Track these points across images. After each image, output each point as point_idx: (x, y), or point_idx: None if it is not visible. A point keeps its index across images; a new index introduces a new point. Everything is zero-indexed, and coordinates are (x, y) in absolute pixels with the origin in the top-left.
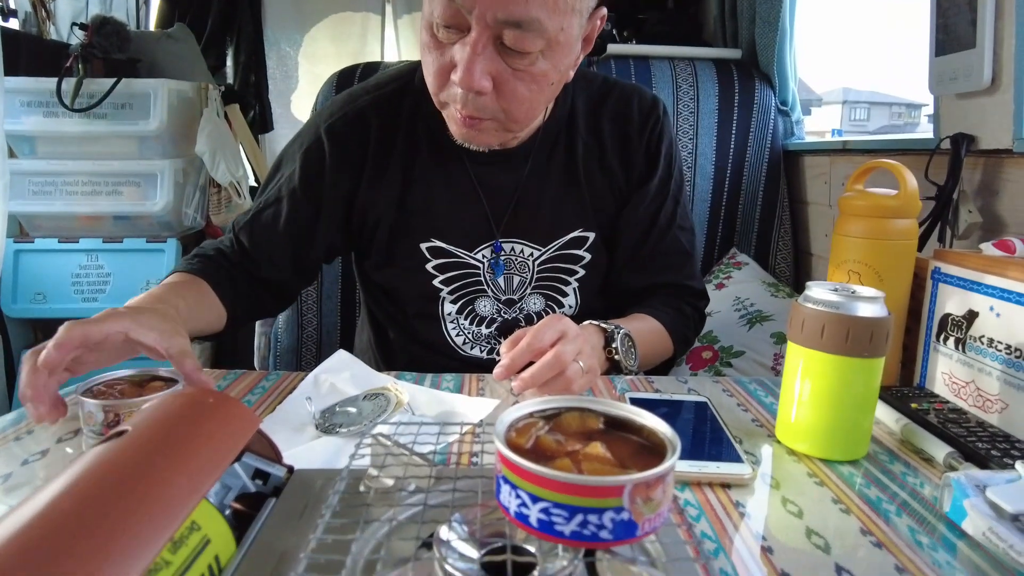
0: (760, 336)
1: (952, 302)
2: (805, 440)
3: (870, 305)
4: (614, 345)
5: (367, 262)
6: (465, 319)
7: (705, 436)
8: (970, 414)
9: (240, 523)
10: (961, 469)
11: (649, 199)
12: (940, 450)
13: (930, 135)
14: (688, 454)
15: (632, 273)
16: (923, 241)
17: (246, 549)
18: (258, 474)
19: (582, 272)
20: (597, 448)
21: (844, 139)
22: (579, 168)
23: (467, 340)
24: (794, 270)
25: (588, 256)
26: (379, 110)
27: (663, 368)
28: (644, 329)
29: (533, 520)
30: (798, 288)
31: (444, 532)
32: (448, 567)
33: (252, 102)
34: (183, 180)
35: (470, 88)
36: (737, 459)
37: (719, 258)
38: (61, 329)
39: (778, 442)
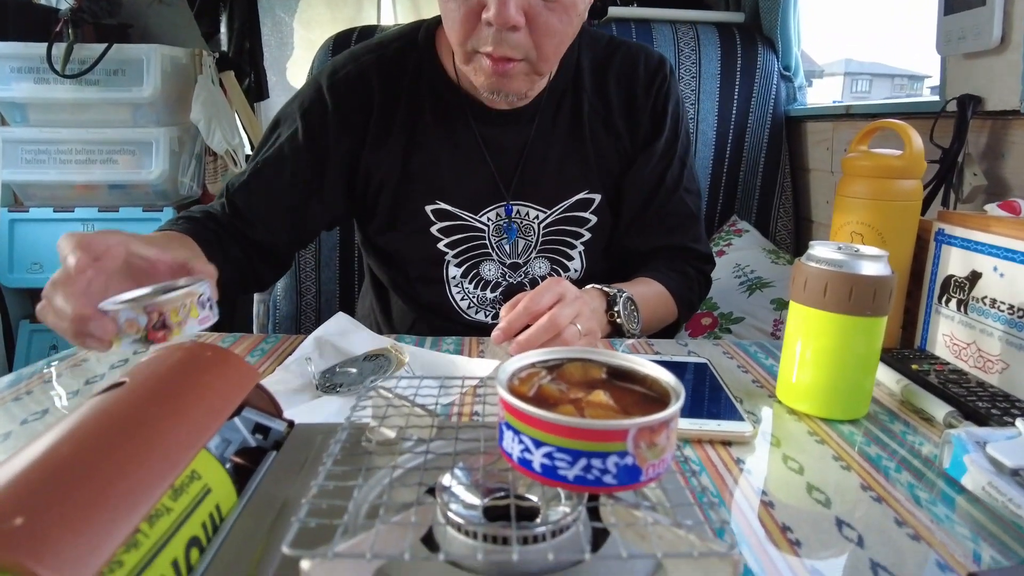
0: (760, 302)
1: (955, 263)
2: (806, 400)
3: (874, 264)
4: (616, 309)
5: (370, 226)
6: (470, 283)
7: (706, 396)
8: (970, 375)
9: (241, 477)
10: (961, 427)
11: (655, 160)
12: (940, 409)
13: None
14: (689, 412)
15: (637, 235)
16: (926, 206)
17: (247, 499)
18: (258, 428)
19: (588, 235)
20: (600, 396)
21: (847, 104)
22: (585, 128)
23: (472, 304)
24: (795, 237)
25: (594, 219)
26: (382, 69)
27: (667, 333)
28: (648, 293)
29: (536, 465)
30: (799, 255)
31: (447, 479)
32: (451, 514)
33: (247, 69)
34: (179, 148)
35: (505, 23)
36: (738, 417)
37: (720, 225)
38: (62, 242)
39: (779, 402)
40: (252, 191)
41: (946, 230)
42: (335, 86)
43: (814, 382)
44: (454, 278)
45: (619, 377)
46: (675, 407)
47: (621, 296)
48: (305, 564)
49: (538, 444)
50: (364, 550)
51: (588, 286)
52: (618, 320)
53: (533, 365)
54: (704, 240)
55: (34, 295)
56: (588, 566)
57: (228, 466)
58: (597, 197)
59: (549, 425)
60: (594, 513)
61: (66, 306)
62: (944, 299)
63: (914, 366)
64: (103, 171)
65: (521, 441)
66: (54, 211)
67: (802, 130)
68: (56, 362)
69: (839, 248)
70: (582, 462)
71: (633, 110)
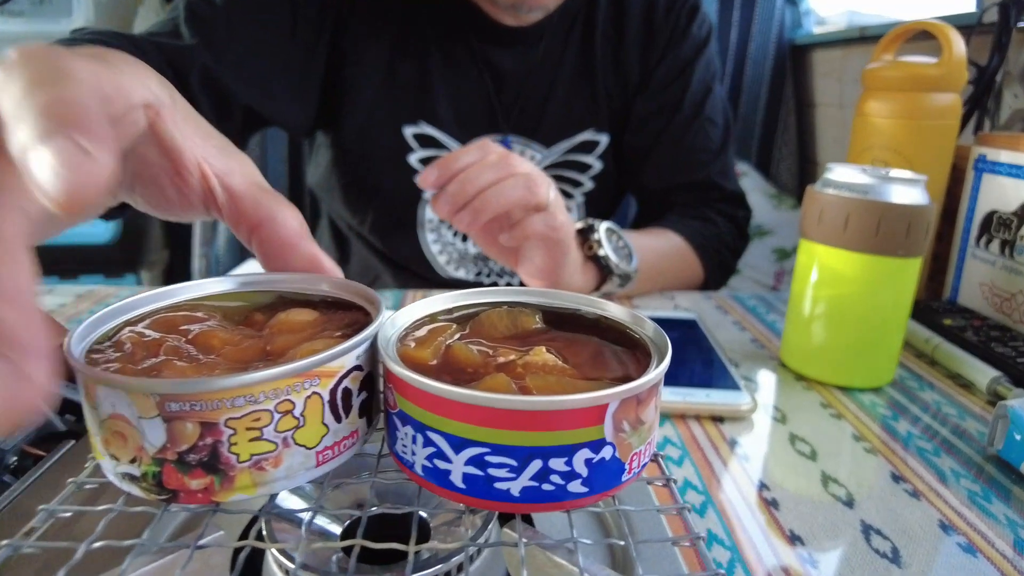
0: (760, 252)
1: (999, 196)
2: (818, 363)
3: (908, 189)
4: (594, 237)
5: (335, 147)
6: (449, 229)
7: (693, 359)
8: (1017, 331)
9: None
10: (1013, 396)
11: (672, 79)
12: (983, 374)
13: None
14: (671, 380)
15: (649, 172)
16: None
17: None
18: (70, 407)
19: (590, 184)
20: (543, 354)
21: (861, 26)
22: (595, 57)
23: (451, 259)
24: (799, 181)
25: (598, 165)
26: None
27: None
28: (653, 243)
29: (457, 478)
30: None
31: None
32: (274, 551)
33: None
34: None
35: None
36: (733, 386)
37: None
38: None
39: (784, 366)
40: (235, 21)
41: (988, 156)
42: None
43: (829, 341)
44: (431, 221)
45: (563, 325)
46: (664, 364)
47: (601, 224)
48: None
49: (461, 444)
50: None
51: None
52: (599, 252)
53: (433, 317)
54: (733, 177)
55: None
56: None
57: (11, 460)
58: (603, 139)
59: (480, 411)
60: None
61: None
62: (983, 240)
63: (946, 321)
64: None
65: (430, 442)
66: None
67: (808, 60)
68: None
69: (864, 170)
70: (534, 466)
71: (650, 43)
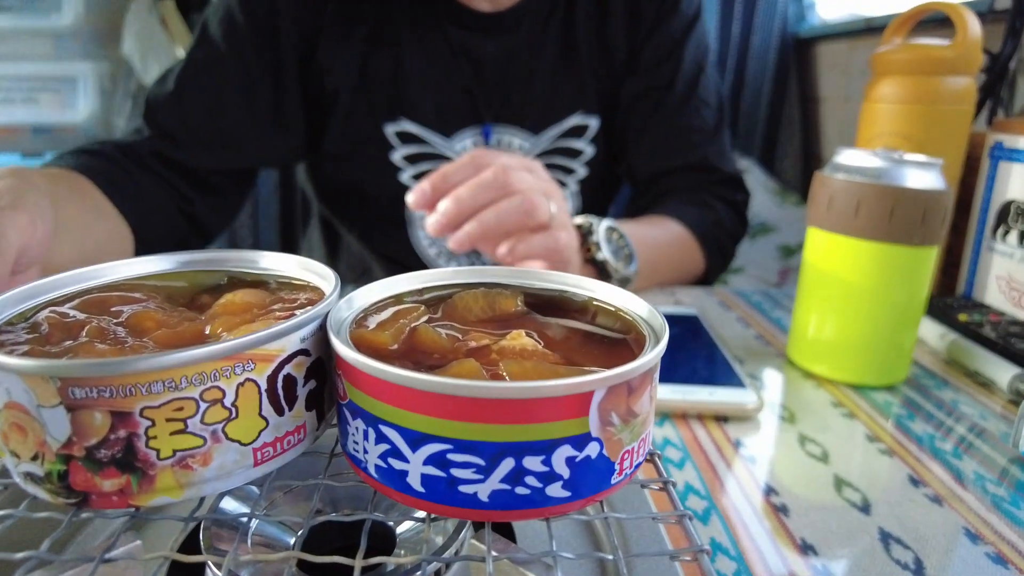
0: (764, 249)
1: (1017, 185)
2: (828, 360)
3: (924, 173)
4: (593, 239)
5: (319, 151)
6: None
7: (694, 355)
8: None
9: None
10: None
11: (663, 58)
12: (1004, 372)
13: None
14: (670, 376)
15: (642, 155)
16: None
17: None
18: None
19: (583, 171)
20: (521, 338)
21: (868, 17)
22: (579, 38)
23: (441, 252)
24: (803, 177)
25: (590, 150)
26: None
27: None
28: (653, 235)
29: (415, 480)
30: (808, 196)
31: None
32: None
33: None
34: (111, 87)
35: None
36: (738, 383)
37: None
38: None
39: (791, 363)
40: (185, 103)
41: (1006, 143)
42: None
43: (839, 336)
44: (421, 218)
45: (547, 309)
46: (659, 347)
47: (599, 224)
48: None
49: (420, 439)
50: None
51: None
52: (597, 256)
53: (399, 298)
54: (731, 159)
55: None
56: None
57: None
58: (593, 122)
59: (439, 400)
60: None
61: None
62: (1000, 231)
63: (961, 316)
64: (24, 111)
65: (383, 437)
66: None
67: (813, 53)
68: None
69: (876, 154)
70: (506, 465)
71: (636, 20)
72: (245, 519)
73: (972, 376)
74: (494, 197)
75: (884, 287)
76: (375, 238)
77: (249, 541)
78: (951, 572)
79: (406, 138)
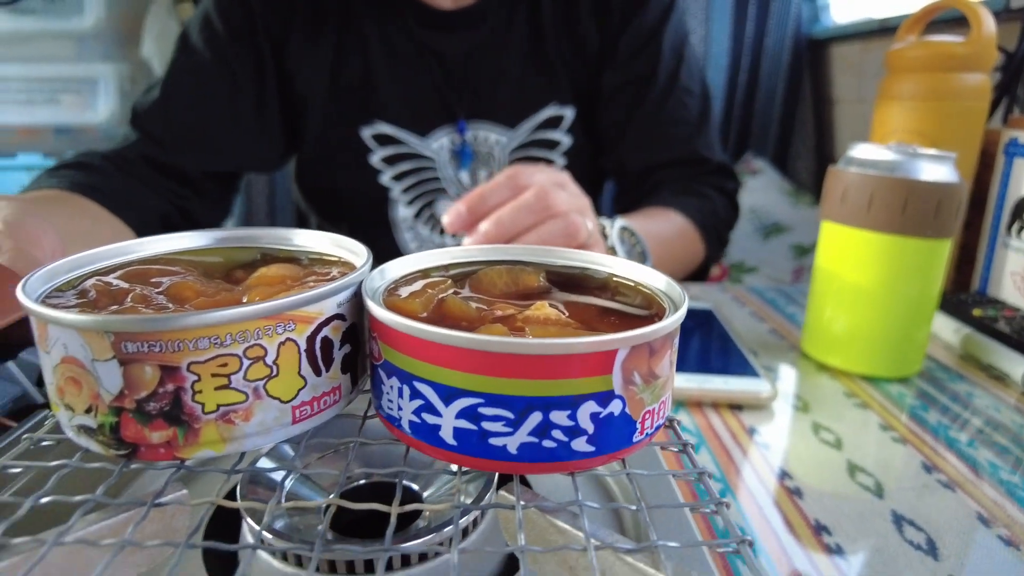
0: (777, 249)
1: None
2: (841, 352)
3: (937, 166)
4: (608, 244)
5: (299, 157)
6: (424, 225)
7: (709, 347)
8: None
9: None
10: None
11: (639, 48)
12: (1018, 365)
13: None
14: (686, 366)
15: (627, 152)
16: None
17: None
18: None
19: (562, 162)
20: (544, 308)
21: (882, 18)
22: (545, 28)
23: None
24: (816, 178)
25: (567, 140)
26: None
27: (695, 278)
28: (659, 229)
29: (447, 433)
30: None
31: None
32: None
33: None
34: (130, 88)
35: None
36: (752, 373)
37: (732, 163)
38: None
39: (805, 356)
40: (172, 109)
41: (1021, 139)
42: None
43: (853, 328)
44: (405, 220)
45: (567, 287)
46: (680, 312)
47: (613, 224)
48: None
49: (452, 394)
50: None
51: None
52: None
53: (427, 272)
54: (718, 148)
55: None
56: None
57: None
58: (568, 112)
59: (472, 356)
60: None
61: None
62: (1015, 227)
63: (976, 311)
64: (47, 112)
65: (418, 393)
66: None
67: (827, 55)
68: None
69: (890, 148)
70: (533, 419)
71: (605, 8)
72: (284, 473)
73: (986, 370)
74: (536, 220)
75: (898, 279)
76: (362, 241)
77: (283, 499)
78: (964, 554)
79: (383, 140)
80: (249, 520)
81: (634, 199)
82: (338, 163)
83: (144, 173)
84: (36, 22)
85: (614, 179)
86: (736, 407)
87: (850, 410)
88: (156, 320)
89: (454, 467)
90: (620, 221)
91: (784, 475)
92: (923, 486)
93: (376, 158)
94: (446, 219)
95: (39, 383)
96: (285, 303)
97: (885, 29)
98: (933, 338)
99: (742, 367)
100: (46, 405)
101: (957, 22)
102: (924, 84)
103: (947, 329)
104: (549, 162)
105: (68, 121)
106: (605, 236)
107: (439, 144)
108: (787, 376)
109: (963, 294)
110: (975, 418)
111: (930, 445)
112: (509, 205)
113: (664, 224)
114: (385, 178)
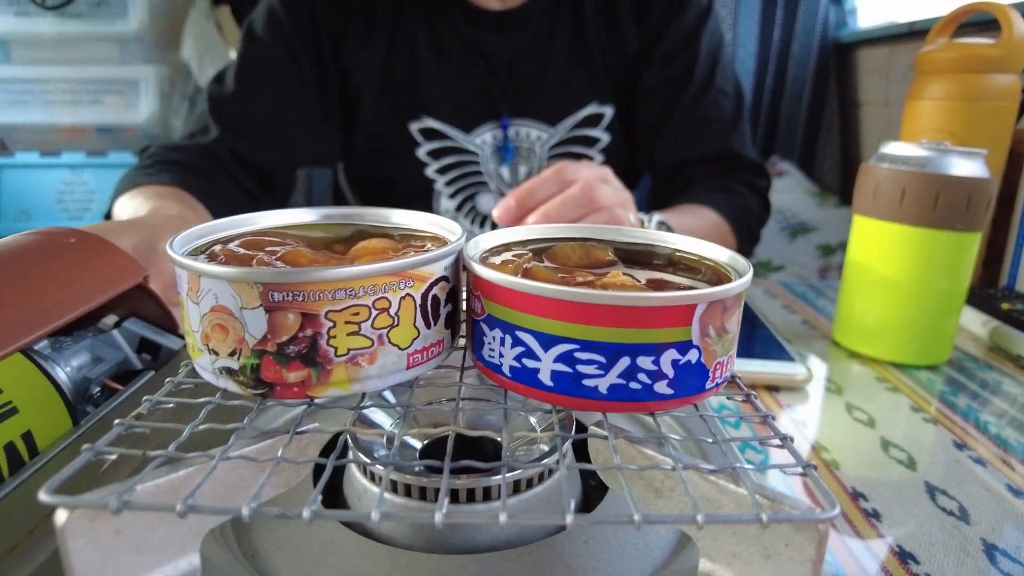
0: (804, 248)
1: None
2: (872, 340)
3: (968, 162)
4: None
5: (351, 149)
6: (465, 218)
7: (745, 334)
8: None
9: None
10: None
11: (679, 50)
12: None
13: None
14: None
15: (662, 148)
16: None
17: (83, 430)
18: (146, 345)
19: (600, 158)
20: (619, 276)
21: (910, 21)
22: (588, 30)
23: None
24: (842, 181)
25: (606, 138)
26: None
27: None
28: (693, 224)
29: (545, 376)
30: (847, 200)
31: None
32: (354, 451)
33: (245, 7)
34: (170, 89)
35: None
36: (787, 357)
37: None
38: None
39: (836, 345)
40: (249, 100)
41: None
42: None
43: (884, 318)
44: (447, 212)
45: (634, 262)
46: (747, 276)
47: (651, 220)
48: (60, 517)
49: (550, 341)
50: (175, 500)
51: None
52: None
53: (508, 246)
54: (751, 147)
55: None
56: (573, 538)
57: (96, 391)
58: (608, 111)
59: (571, 308)
60: (581, 454)
61: None
62: None
63: (1004, 305)
64: (90, 112)
65: (519, 341)
66: (40, 155)
67: (853, 59)
68: None
69: (921, 145)
70: (622, 363)
71: (646, 10)
72: (402, 409)
73: (1015, 360)
74: (582, 214)
75: (929, 271)
76: None
77: (405, 433)
78: (995, 520)
79: (429, 134)
80: (363, 458)
81: (668, 195)
82: (387, 155)
83: (229, 169)
84: (83, 25)
85: (650, 174)
86: (773, 388)
87: (882, 393)
88: (301, 272)
89: (547, 406)
90: (657, 216)
91: (820, 448)
92: (955, 461)
93: (423, 151)
94: (496, 212)
95: (138, 351)
96: (407, 262)
97: (913, 32)
98: (961, 330)
99: (778, 352)
100: (146, 369)
101: (987, 25)
102: (954, 85)
103: (975, 322)
104: (588, 158)
105: (110, 121)
106: (643, 226)
107: (482, 139)
108: (819, 362)
109: (991, 289)
110: (1004, 403)
111: (960, 426)
112: (556, 199)
113: (698, 220)
114: (430, 171)
